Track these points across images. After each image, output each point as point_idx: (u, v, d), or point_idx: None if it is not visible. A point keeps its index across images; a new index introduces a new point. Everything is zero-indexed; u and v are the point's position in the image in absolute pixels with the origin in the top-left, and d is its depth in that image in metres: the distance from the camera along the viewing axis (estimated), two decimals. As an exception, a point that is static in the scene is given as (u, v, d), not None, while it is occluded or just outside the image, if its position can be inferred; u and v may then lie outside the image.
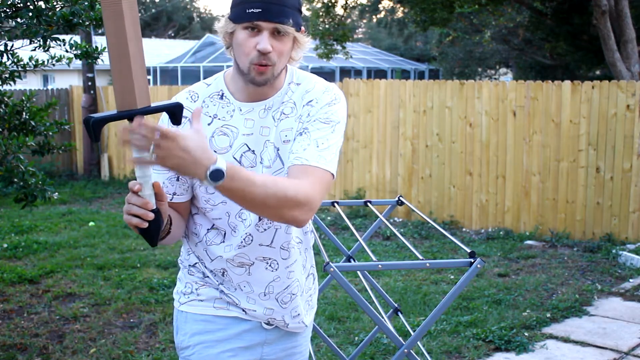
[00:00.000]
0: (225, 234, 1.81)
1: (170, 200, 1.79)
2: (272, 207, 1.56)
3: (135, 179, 1.50)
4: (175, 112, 1.50)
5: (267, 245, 1.81)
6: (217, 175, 1.45)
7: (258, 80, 1.69)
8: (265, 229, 1.79)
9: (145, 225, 1.50)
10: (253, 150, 1.76)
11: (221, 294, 1.86)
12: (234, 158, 1.75)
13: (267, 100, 1.77)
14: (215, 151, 1.75)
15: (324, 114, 1.75)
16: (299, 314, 1.93)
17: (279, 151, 1.76)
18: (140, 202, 1.48)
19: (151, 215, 1.49)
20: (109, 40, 1.43)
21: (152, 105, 1.49)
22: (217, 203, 1.78)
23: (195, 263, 1.88)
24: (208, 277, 1.87)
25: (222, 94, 1.79)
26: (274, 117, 1.77)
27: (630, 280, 5.93)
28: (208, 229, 1.82)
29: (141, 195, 1.49)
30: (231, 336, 1.86)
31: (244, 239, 1.79)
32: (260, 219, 1.78)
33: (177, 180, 1.78)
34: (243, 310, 1.87)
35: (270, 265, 1.84)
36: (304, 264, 1.93)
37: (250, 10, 1.63)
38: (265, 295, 1.86)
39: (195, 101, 1.78)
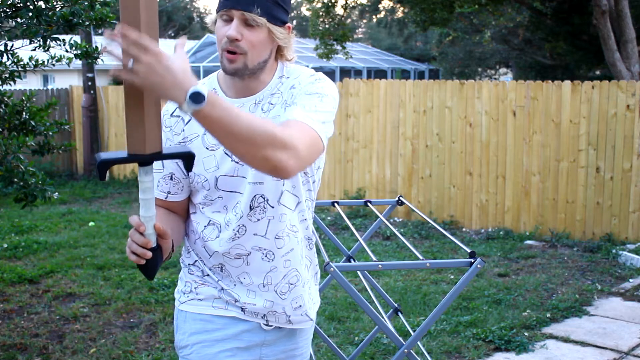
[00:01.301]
0: (220, 227, 1.82)
1: (165, 198, 1.84)
2: (257, 144, 1.46)
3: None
4: (187, 160, 1.49)
5: (262, 236, 1.82)
6: (197, 98, 1.37)
7: (228, 68, 1.72)
8: (258, 219, 1.80)
9: (143, 262, 1.55)
10: None
11: (220, 293, 1.86)
12: (226, 153, 1.78)
13: (257, 94, 1.80)
14: (207, 148, 1.79)
15: (308, 89, 1.75)
16: (301, 306, 1.90)
17: None
18: (141, 242, 1.53)
19: (149, 255, 1.54)
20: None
21: (164, 151, 1.48)
22: (215, 198, 1.80)
23: (195, 261, 1.89)
24: (208, 275, 1.87)
25: (215, 91, 1.82)
26: (263, 108, 1.80)
27: (630, 280, 5.93)
28: (205, 226, 1.84)
29: (143, 234, 1.53)
30: (229, 336, 1.86)
31: (237, 231, 1.80)
32: (251, 209, 1.78)
33: (171, 179, 1.83)
34: (242, 310, 1.86)
35: (266, 256, 1.84)
36: (301, 253, 1.90)
37: (223, 0, 1.70)
38: (264, 286, 1.86)
39: None
